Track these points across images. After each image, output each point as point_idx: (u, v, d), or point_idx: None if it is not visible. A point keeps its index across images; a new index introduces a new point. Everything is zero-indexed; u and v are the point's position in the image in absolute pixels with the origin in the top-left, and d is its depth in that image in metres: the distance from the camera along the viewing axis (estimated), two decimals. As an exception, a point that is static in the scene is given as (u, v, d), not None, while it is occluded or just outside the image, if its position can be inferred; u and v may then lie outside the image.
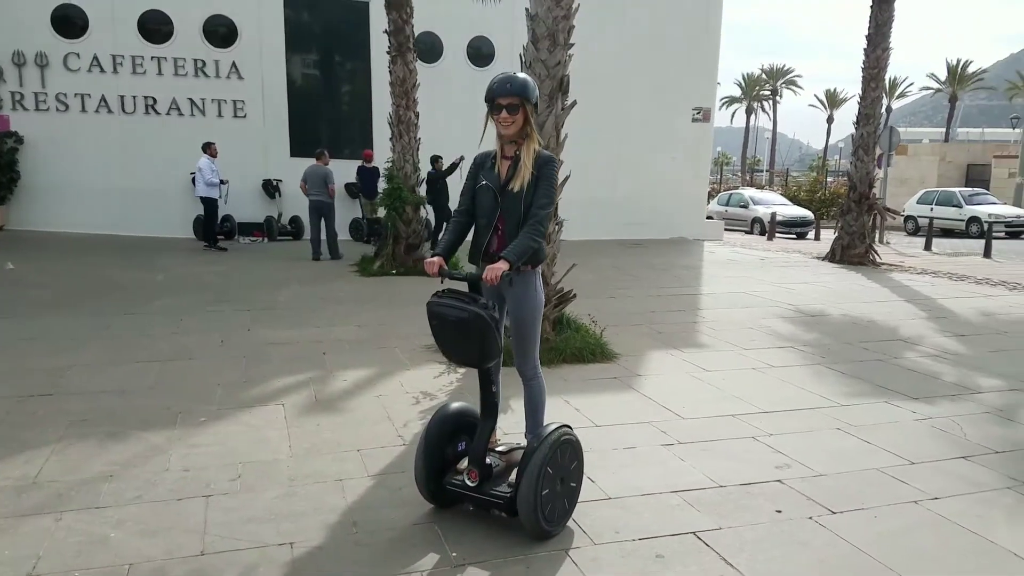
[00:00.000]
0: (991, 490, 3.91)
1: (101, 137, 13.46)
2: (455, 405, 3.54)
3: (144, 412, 4.70)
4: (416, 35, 10.97)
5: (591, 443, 4.30)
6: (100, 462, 3.92)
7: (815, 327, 7.93)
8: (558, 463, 3.20)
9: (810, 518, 3.52)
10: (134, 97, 13.65)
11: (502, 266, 3.06)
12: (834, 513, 3.57)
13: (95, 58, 13.34)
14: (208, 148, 12.33)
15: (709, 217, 21.93)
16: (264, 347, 6.35)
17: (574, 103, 6.41)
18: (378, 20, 12.78)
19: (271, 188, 14.38)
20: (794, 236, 22.34)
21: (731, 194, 27.27)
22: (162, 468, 3.88)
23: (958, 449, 4.49)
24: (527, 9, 6.35)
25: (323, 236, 12.01)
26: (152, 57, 13.63)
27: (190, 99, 13.96)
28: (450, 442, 3.38)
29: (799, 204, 26.42)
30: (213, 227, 12.56)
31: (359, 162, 13.77)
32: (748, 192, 27.40)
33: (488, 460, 3.27)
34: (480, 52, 15.70)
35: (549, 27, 6.20)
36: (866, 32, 13.35)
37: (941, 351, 6.98)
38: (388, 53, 10.70)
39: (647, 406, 5.12)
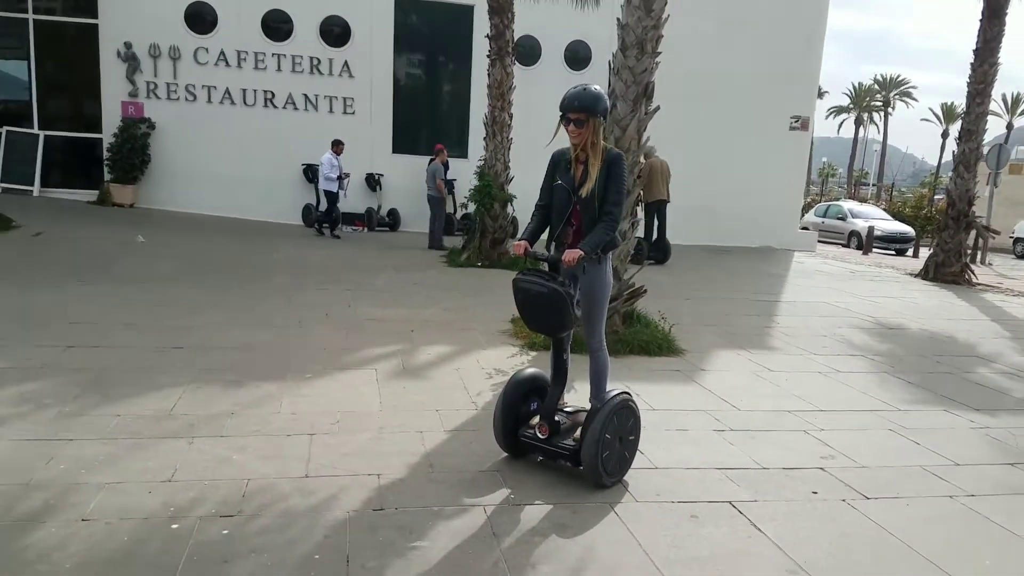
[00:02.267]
0: (1031, 494, 4.06)
1: (224, 126, 14.70)
2: (529, 370, 4.08)
3: (260, 367, 5.42)
4: (516, 39, 11.54)
5: (647, 424, 4.65)
6: (224, 402, 4.63)
7: (891, 339, 7.96)
8: (618, 423, 3.69)
9: (843, 500, 3.81)
10: (255, 91, 14.83)
11: (579, 252, 3.49)
12: (867, 498, 3.85)
13: (222, 53, 14.57)
14: (336, 146, 13.39)
15: (804, 228, 21.55)
16: (362, 322, 7.03)
17: (657, 108, 6.75)
18: (481, 23, 13.41)
19: (373, 181, 15.30)
20: (892, 252, 21.64)
21: (829, 205, 26.61)
22: (274, 411, 4.55)
23: (1007, 456, 4.62)
24: (618, 19, 6.73)
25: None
26: (273, 54, 14.78)
27: (304, 95, 15.03)
28: (524, 401, 3.91)
29: (902, 220, 25.50)
30: (329, 216, 13.61)
31: (453, 159, 14.47)
32: (847, 204, 26.66)
33: (557, 418, 3.79)
34: (577, 55, 16.11)
35: (638, 36, 6.57)
36: (974, 46, 12.96)
37: (1017, 369, 6.93)
38: (488, 56, 11.29)
39: (705, 397, 5.45)
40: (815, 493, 3.87)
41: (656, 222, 12.78)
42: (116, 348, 5.64)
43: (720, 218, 16.73)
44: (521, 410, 3.89)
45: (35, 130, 14.31)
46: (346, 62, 15.07)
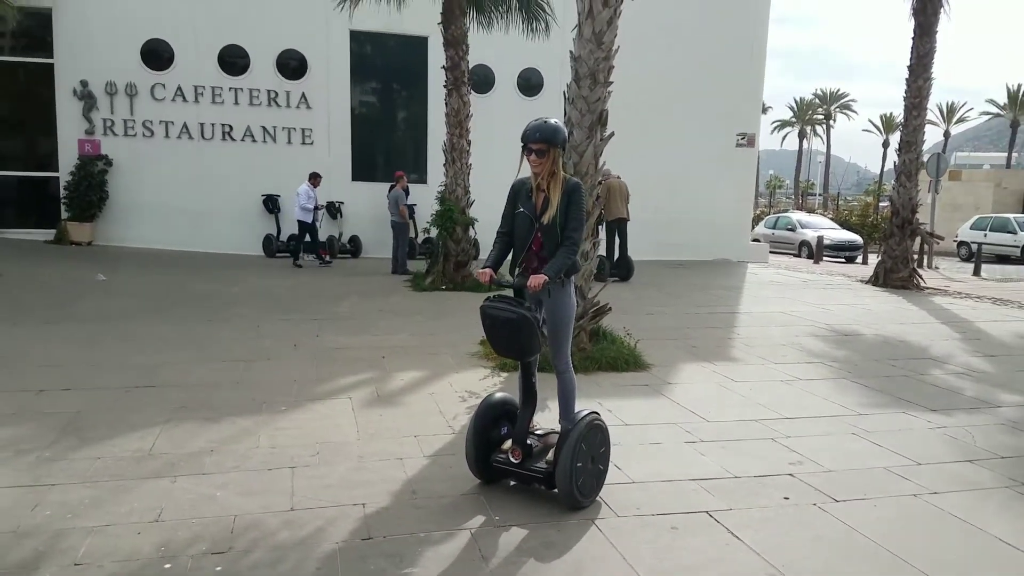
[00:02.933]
0: (989, 488, 4.31)
1: (182, 161, 14.61)
2: (498, 395, 4.15)
3: (233, 402, 5.42)
4: (470, 68, 11.75)
5: (620, 439, 4.84)
6: (201, 440, 4.63)
7: (846, 345, 8.28)
8: (590, 443, 3.78)
9: (814, 504, 4.00)
10: (212, 124, 14.79)
11: (543, 277, 3.63)
12: (837, 501, 4.04)
13: (179, 88, 14.53)
14: (313, 178, 13.52)
15: (755, 240, 22.15)
16: (331, 351, 7.07)
17: (611, 134, 6.98)
18: (435, 52, 13.63)
19: (334, 209, 15.33)
20: (842, 260, 22.35)
21: (778, 217, 27.37)
22: (253, 445, 4.57)
23: (965, 454, 4.88)
24: (571, 51, 6.97)
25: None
26: (230, 88, 14.78)
27: (263, 127, 15.04)
28: (494, 426, 3.98)
29: (849, 228, 26.36)
30: (306, 245, 13.73)
31: (412, 184, 14.60)
32: (796, 215, 27.46)
33: (529, 441, 3.87)
34: (530, 83, 16.46)
35: (590, 67, 6.81)
36: (908, 63, 13.62)
37: (968, 369, 7.28)
38: (445, 87, 11.49)
39: (674, 410, 5.62)
40: (787, 499, 4.05)
41: (617, 240, 13.07)
42: (87, 390, 5.59)
43: (676, 233, 17.17)
44: (492, 435, 3.96)
45: (-13, 171, 14.01)
46: (303, 94, 15.14)
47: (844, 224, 27.71)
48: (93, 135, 14.22)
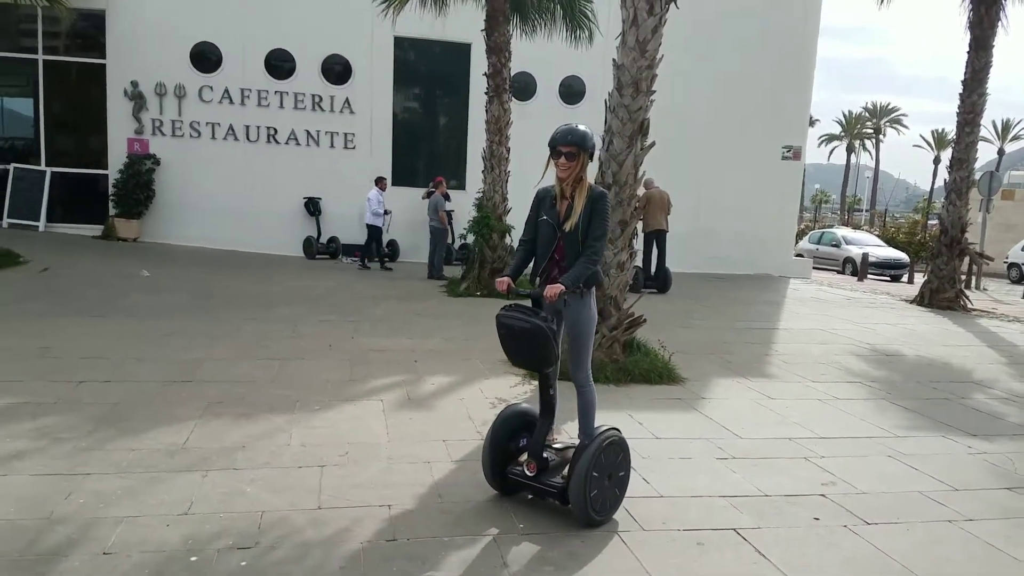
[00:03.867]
0: (1029, 518, 4.15)
1: (227, 162, 14.93)
2: (518, 406, 4.08)
3: (268, 399, 5.51)
4: (512, 75, 11.80)
5: (650, 452, 4.81)
6: (235, 435, 4.72)
7: (887, 365, 8.08)
8: (606, 460, 3.67)
9: (845, 526, 3.90)
10: (258, 127, 15.10)
11: (560, 287, 3.56)
12: (868, 524, 3.94)
13: (226, 91, 14.87)
14: (380, 182, 13.88)
15: (798, 255, 21.78)
16: (366, 352, 7.14)
17: (652, 144, 6.94)
18: (477, 59, 13.72)
19: (374, 214, 15.50)
20: (887, 278, 21.86)
21: (823, 232, 26.88)
22: (285, 443, 4.64)
23: (1005, 481, 4.72)
24: (614, 59, 6.95)
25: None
26: (275, 91, 15.08)
27: (307, 131, 15.30)
28: (513, 438, 3.89)
29: (896, 246, 25.77)
30: (371, 250, 14.10)
31: (450, 191, 14.71)
32: (841, 231, 26.93)
33: (545, 454, 3.78)
34: (571, 90, 16.45)
35: (633, 76, 6.78)
36: (962, 78, 13.27)
37: (1013, 395, 7.04)
38: (486, 94, 11.56)
39: (707, 425, 5.55)
40: (817, 519, 3.96)
41: (655, 251, 12.97)
42: (127, 382, 5.73)
43: (718, 247, 16.96)
44: (510, 447, 3.88)
45: (42, 167, 14.52)
46: (347, 99, 15.37)
47: (890, 242, 27.10)
48: (142, 135, 14.62)
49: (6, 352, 6.37)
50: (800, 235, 27.67)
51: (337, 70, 15.40)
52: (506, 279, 3.78)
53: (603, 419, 5.36)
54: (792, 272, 17.99)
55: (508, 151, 11.65)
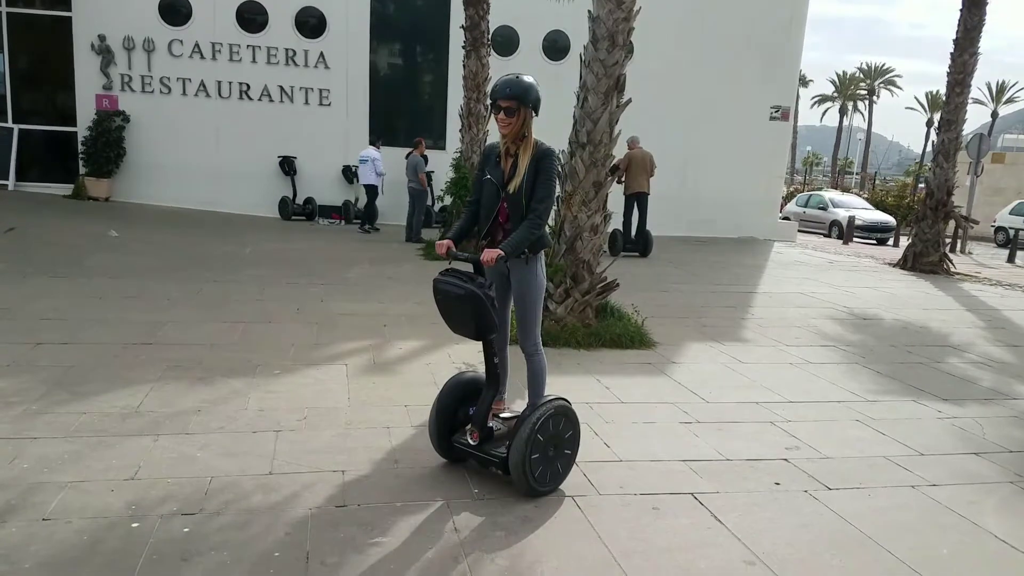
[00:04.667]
0: (991, 483, 4.13)
1: (199, 119, 14.56)
2: (468, 373, 3.94)
3: (228, 363, 5.39)
4: (493, 30, 11.49)
5: (614, 417, 4.75)
6: (190, 399, 4.61)
7: (864, 329, 8.05)
8: (551, 431, 3.52)
9: (805, 491, 3.86)
10: (230, 83, 14.70)
11: (497, 252, 3.39)
12: (830, 489, 3.90)
13: (196, 45, 14.42)
14: (376, 143, 13.64)
15: (785, 218, 21.69)
16: (334, 316, 7.02)
17: (628, 101, 6.76)
18: (458, 14, 13.33)
19: (350, 174, 15.21)
20: (874, 241, 21.86)
21: (810, 195, 26.76)
22: (241, 407, 4.53)
23: (972, 446, 4.69)
24: (589, 11, 6.72)
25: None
26: (248, 46, 14.63)
27: (280, 87, 14.90)
28: (461, 405, 3.77)
29: (884, 209, 25.70)
30: (371, 211, 13.91)
31: (430, 151, 14.45)
32: (828, 194, 26.82)
33: (491, 424, 3.68)
34: (556, 45, 16.08)
35: (609, 28, 6.57)
36: (954, 35, 13.05)
37: (987, 359, 7.03)
38: (463, 47, 11.26)
39: (674, 389, 5.49)
40: (777, 484, 3.92)
41: (636, 214, 12.82)
42: (85, 344, 5.59)
43: (702, 209, 16.83)
44: (459, 414, 3.77)
45: (9, 124, 14.10)
46: (322, 53, 14.96)
47: (879, 205, 27.04)
48: (111, 90, 14.22)
49: (-39, 313, 6.21)
50: (789, 198, 27.58)
51: (312, 23, 14.96)
52: (446, 242, 3.60)
53: (569, 384, 5.38)
54: (777, 235, 17.93)
55: (487, 108, 11.37)
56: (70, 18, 13.98)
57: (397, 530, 3.20)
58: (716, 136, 16.88)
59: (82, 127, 14.10)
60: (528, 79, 3.57)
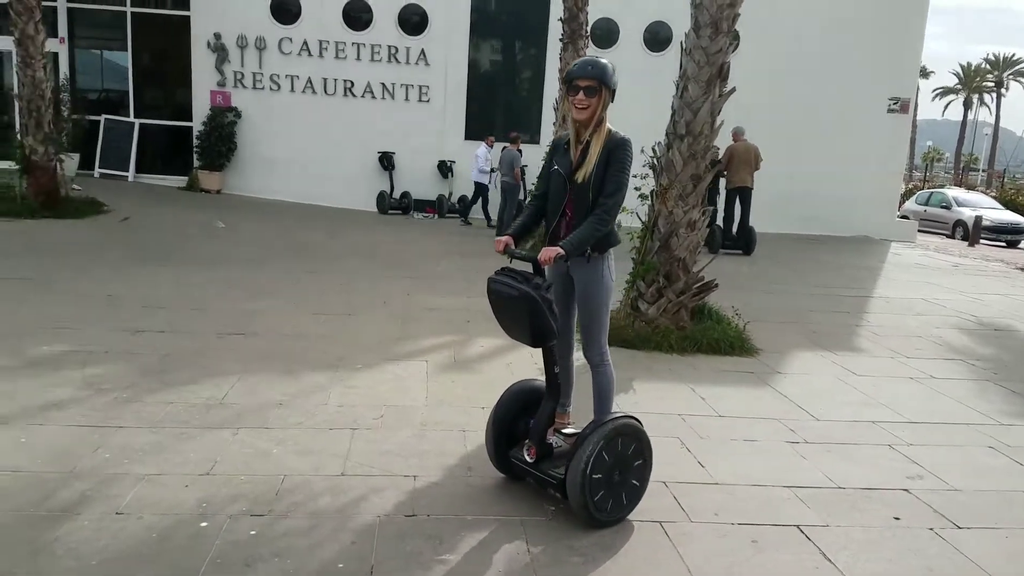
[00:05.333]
0: None
1: (305, 115, 14.96)
2: (531, 381, 3.61)
3: (314, 355, 5.38)
4: (593, 22, 11.15)
5: (709, 432, 4.38)
6: (274, 391, 4.59)
7: (995, 342, 7.24)
8: (613, 452, 3.14)
9: (930, 529, 3.39)
10: (335, 80, 15.01)
11: (556, 251, 3.09)
12: (959, 528, 3.41)
13: (305, 43, 14.81)
14: (487, 139, 13.89)
15: (903, 217, 20.21)
16: (419, 311, 6.93)
17: (732, 90, 6.32)
18: (557, 8, 13.04)
19: (445, 168, 15.27)
20: (1003, 244, 20.04)
21: (932, 193, 24.83)
22: (322, 402, 4.47)
23: None
24: (691, -3, 6.32)
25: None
26: (353, 43, 14.90)
27: (382, 83, 15.08)
28: (522, 416, 3.44)
29: (1015, 209, 23.52)
30: (475, 207, 14.32)
31: (524, 144, 14.29)
32: (952, 192, 24.81)
33: (551, 439, 3.36)
34: (657, 37, 15.51)
35: (713, 15, 6.15)
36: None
37: None
38: (561, 40, 10.98)
39: (779, 403, 5.04)
40: (897, 519, 3.46)
41: (739, 209, 12.17)
42: (181, 333, 5.72)
43: (812, 206, 15.81)
44: (519, 426, 3.42)
45: (131, 118, 14.97)
46: (423, 50, 15.04)
47: (1009, 204, 24.74)
48: (224, 87, 14.81)
49: (74, 298, 6.51)
50: (908, 195, 25.71)
51: (414, 20, 15.06)
52: (505, 238, 3.31)
53: (660, 392, 5.05)
54: (895, 235, 16.65)
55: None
56: (188, 17, 14.65)
57: (465, 547, 3.00)
58: (829, 128, 15.83)
59: (197, 122, 14.77)
60: (606, 61, 3.27)
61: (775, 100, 14.90)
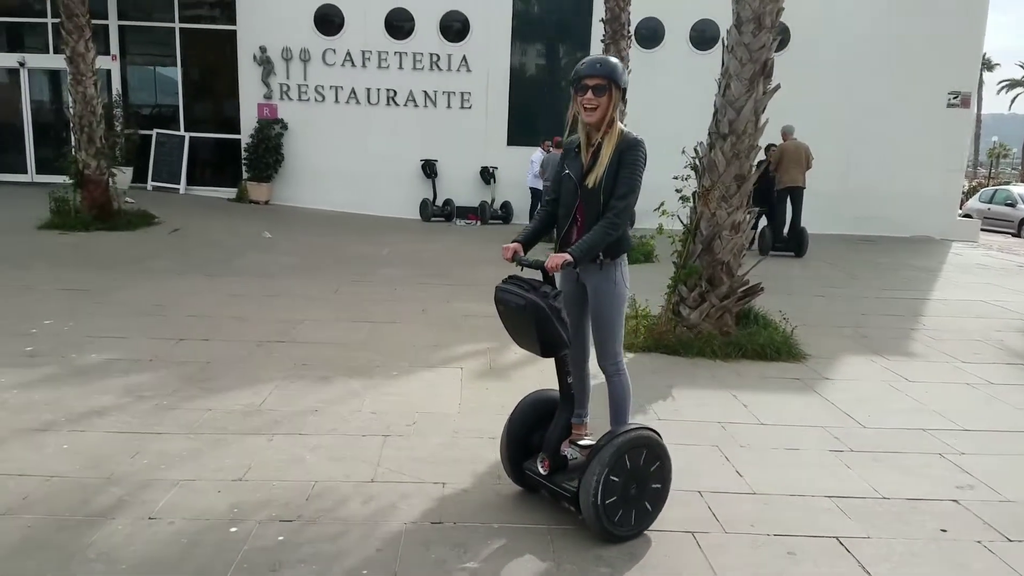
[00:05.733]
0: None
1: (349, 125, 15.17)
2: (547, 392, 3.51)
3: (351, 362, 5.42)
4: (637, 22, 11.00)
5: (751, 440, 4.25)
6: (310, 399, 4.64)
7: (1062, 345, 6.86)
8: (630, 465, 3.04)
9: (978, 542, 3.22)
10: (378, 89, 15.17)
11: (563, 258, 3.01)
12: (1009, 540, 3.24)
13: (348, 53, 15.03)
14: (543, 143, 13.85)
15: (965, 216, 19.41)
16: (458, 317, 6.93)
17: (777, 87, 6.15)
18: (600, 9, 12.96)
19: (487, 175, 15.28)
20: (1073, 243, 19.07)
21: (996, 190, 23.82)
22: (356, 409, 4.50)
23: None
24: (732, -8, 6.18)
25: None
26: (395, 52, 15.06)
27: (424, 91, 15.20)
28: (538, 427, 3.35)
29: (1085, 206, 22.36)
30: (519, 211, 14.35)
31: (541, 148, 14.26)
32: (1018, 189, 23.73)
33: (566, 451, 3.29)
34: (704, 35, 15.26)
35: (755, 9, 6.00)
36: None
37: None
38: (602, 41, 10.89)
39: (825, 410, 4.86)
40: (944, 531, 3.29)
41: (790, 210, 11.87)
42: (223, 342, 5.84)
43: (868, 205, 15.30)
44: (534, 437, 3.34)
45: (181, 132, 15.44)
46: (464, 56, 15.11)
47: (1079, 201, 23.55)
48: (271, 100, 15.13)
49: (122, 307, 6.72)
50: (971, 193, 24.74)
51: (456, 27, 15.15)
52: (513, 245, 3.20)
53: (700, 399, 4.92)
54: (956, 235, 15.98)
55: (625, 103, 10.90)
56: (235, 32, 15.03)
57: (491, 555, 2.96)
58: (884, 124, 15.30)
59: (245, 135, 15.13)
60: (615, 59, 3.24)
61: (826, 97, 14.51)
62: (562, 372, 3.21)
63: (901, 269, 11.52)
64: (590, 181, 3.16)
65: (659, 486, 3.16)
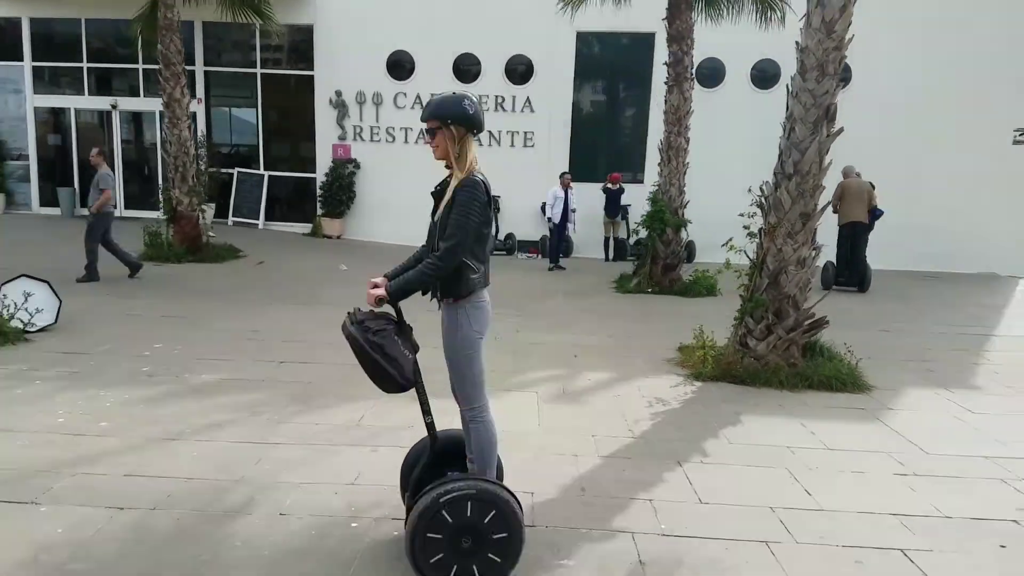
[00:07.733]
0: None
1: (418, 164, 15.71)
2: (449, 432, 3.47)
3: (436, 386, 5.73)
4: (699, 62, 11.38)
5: (819, 464, 4.51)
6: (403, 416, 5.05)
7: None
8: (458, 519, 2.88)
9: (1041, 560, 3.41)
10: (445, 130, 15.90)
11: (379, 292, 2.98)
12: (1074, 560, 3.41)
13: (418, 96, 15.83)
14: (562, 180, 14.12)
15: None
16: (528, 346, 7.33)
17: (840, 130, 6.44)
18: (661, 50, 13.41)
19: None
20: None
21: (1067, 226, 23.12)
22: (447, 425, 4.88)
23: None
24: (797, 42, 6.52)
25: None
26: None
27: (489, 132, 15.87)
28: (437, 465, 3.29)
29: None
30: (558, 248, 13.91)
31: (629, 184, 14.62)
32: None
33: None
34: (765, 74, 15.55)
35: (819, 58, 6.31)
36: None
37: None
38: (666, 83, 11.30)
39: (889, 438, 5.06)
40: (1003, 547, 3.50)
41: (851, 246, 11.98)
42: (319, 364, 6.35)
43: (930, 241, 15.20)
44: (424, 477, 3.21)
45: (260, 171, 16.43)
46: (528, 97, 15.73)
47: None
48: (345, 140, 16.01)
49: (224, 334, 7.33)
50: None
51: (520, 70, 15.81)
52: (380, 281, 3.18)
53: (769, 426, 5.20)
54: (1022, 271, 15.70)
55: (687, 141, 11.31)
56: (312, 77, 16.02)
57: (583, 555, 3.31)
58: (951, 160, 15.25)
59: (320, 173, 16.02)
60: (453, 93, 3.10)
61: (888, 133, 14.57)
62: (423, 409, 3.19)
63: (965, 305, 11.45)
64: (436, 218, 3.12)
65: (504, 539, 2.94)
